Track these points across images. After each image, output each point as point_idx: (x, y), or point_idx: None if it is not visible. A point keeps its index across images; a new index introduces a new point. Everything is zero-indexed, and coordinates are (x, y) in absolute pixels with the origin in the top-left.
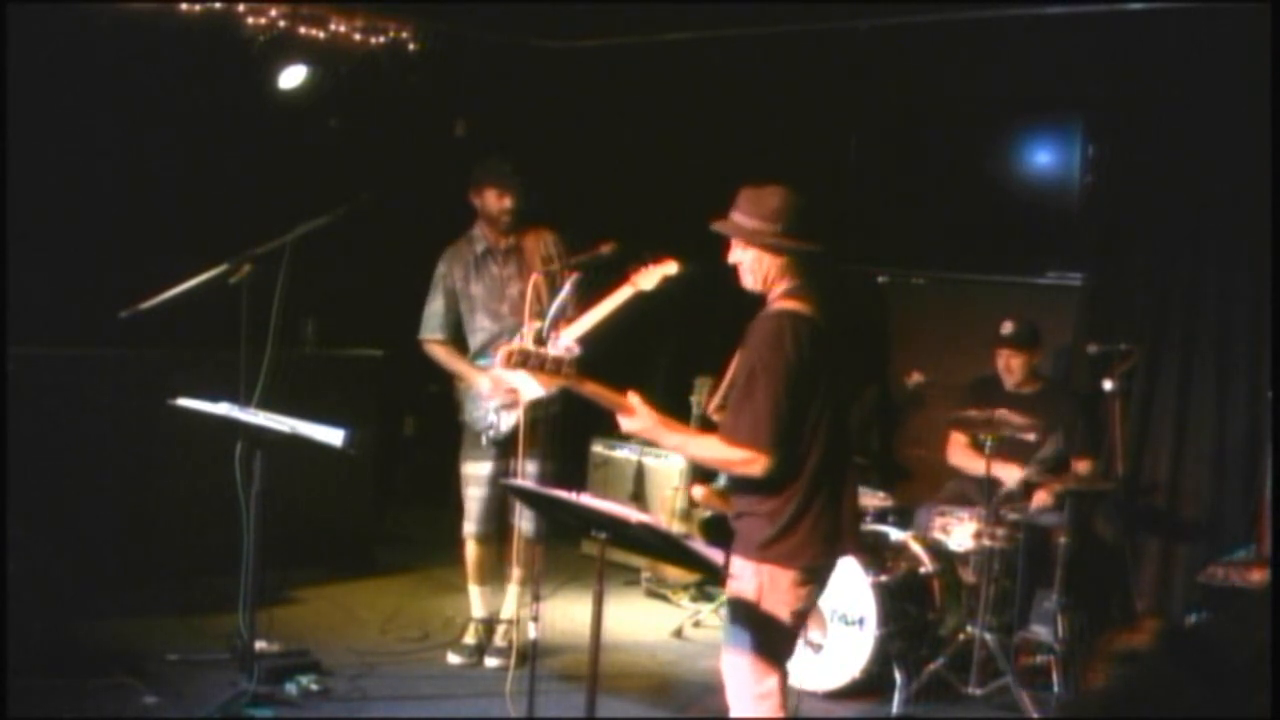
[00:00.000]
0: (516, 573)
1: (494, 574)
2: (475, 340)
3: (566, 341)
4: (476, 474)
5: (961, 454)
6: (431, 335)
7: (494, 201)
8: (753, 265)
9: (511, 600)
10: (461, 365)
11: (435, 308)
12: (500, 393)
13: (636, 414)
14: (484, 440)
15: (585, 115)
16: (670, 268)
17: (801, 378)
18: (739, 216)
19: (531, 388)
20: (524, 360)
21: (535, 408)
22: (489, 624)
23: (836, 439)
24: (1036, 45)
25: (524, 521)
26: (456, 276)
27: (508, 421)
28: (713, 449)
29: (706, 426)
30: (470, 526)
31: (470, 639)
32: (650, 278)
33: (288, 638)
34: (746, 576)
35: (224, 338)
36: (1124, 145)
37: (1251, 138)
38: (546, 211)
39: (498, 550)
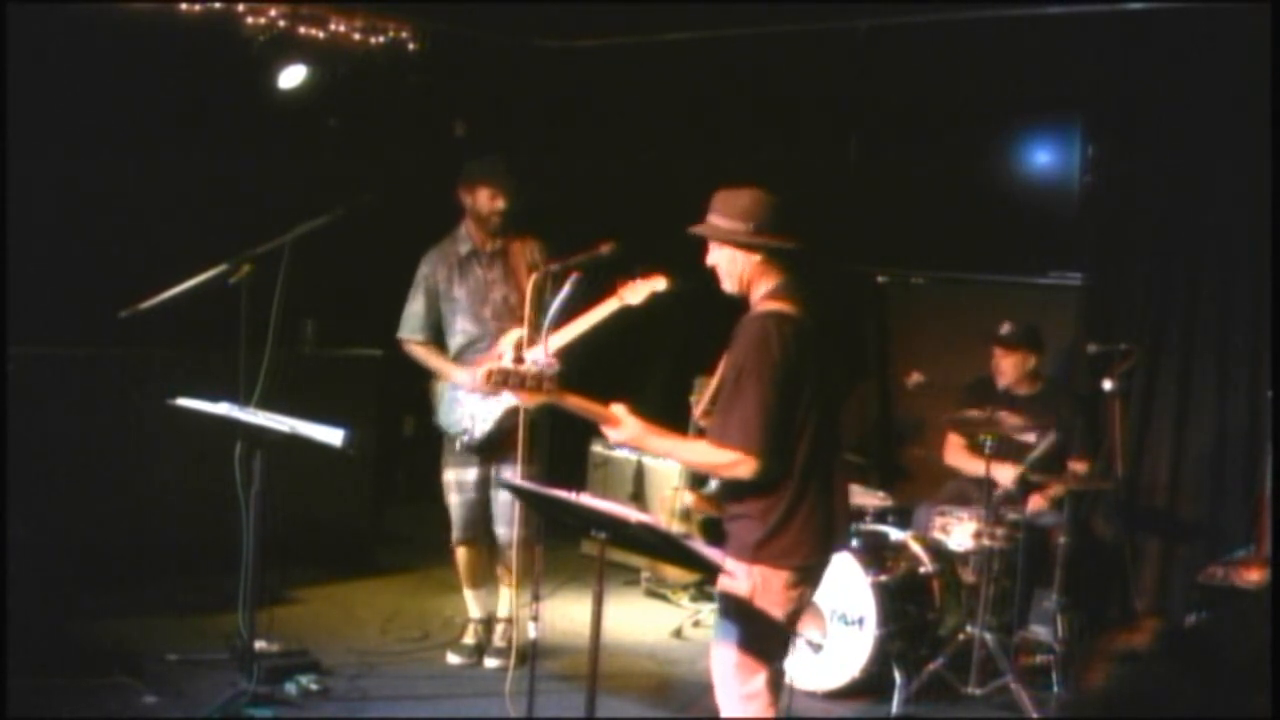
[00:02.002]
0: (506, 576)
1: (486, 576)
2: (454, 343)
3: (550, 348)
4: (456, 480)
5: (959, 454)
6: (411, 336)
7: (486, 201)
8: (728, 267)
9: (506, 600)
10: (440, 362)
11: (416, 308)
12: (481, 388)
13: (623, 424)
14: (458, 446)
15: (585, 115)
16: (659, 284)
17: (788, 378)
18: (713, 218)
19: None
20: (504, 379)
21: (516, 412)
22: (487, 624)
23: (825, 437)
24: (1036, 45)
25: (500, 526)
26: (439, 278)
27: (482, 427)
28: (702, 453)
29: (699, 432)
30: (455, 533)
31: (469, 639)
32: (638, 292)
33: (288, 638)
34: (740, 577)
35: (224, 338)
36: (1124, 145)
37: (1251, 138)
38: (535, 217)
39: (488, 553)
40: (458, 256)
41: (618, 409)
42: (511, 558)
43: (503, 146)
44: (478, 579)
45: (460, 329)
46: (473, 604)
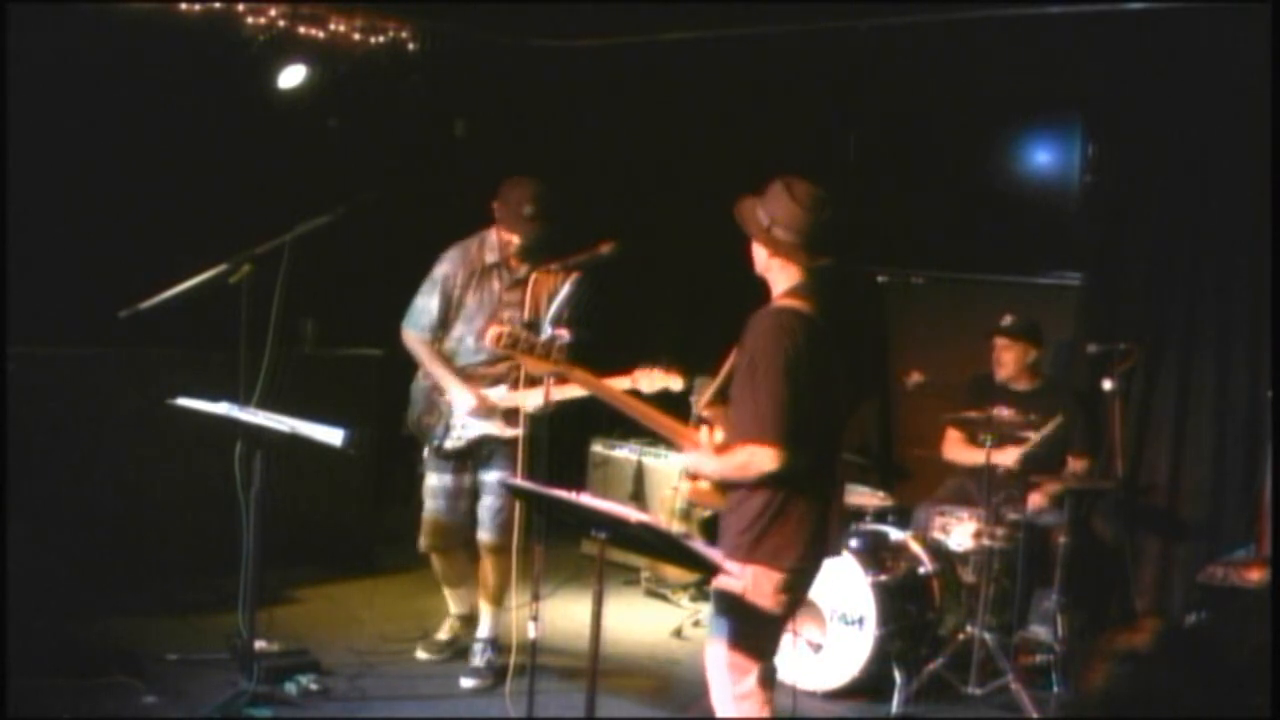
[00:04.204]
0: (486, 590)
1: (464, 575)
2: (447, 346)
3: (557, 396)
4: (428, 485)
5: (957, 448)
6: (419, 332)
7: (505, 236)
8: (753, 252)
9: (486, 621)
10: (441, 370)
11: (429, 305)
12: (480, 410)
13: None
14: (426, 450)
15: (585, 115)
16: (675, 382)
17: (797, 374)
18: (760, 209)
19: (532, 400)
20: (514, 342)
21: (492, 440)
22: (467, 620)
23: (827, 440)
24: (1036, 45)
25: (482, 532)
26: (458, 281)
27: (453, 441)
28: (727, 461)
29: (699, 423)
30: (422, 540)
31: (444, 634)
32: (652, 382)
33: (288, 638)
34: (734, 574)
35: (224, 338)
36: (1124, 145)
37: (1251, 137)
38: (564, 242)
39: (465, 556)
40: (481, 263)
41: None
42: (488, 569)
43: (508, 153)
44: (455, 579)
45: (458, 335)
46: (452, 600)
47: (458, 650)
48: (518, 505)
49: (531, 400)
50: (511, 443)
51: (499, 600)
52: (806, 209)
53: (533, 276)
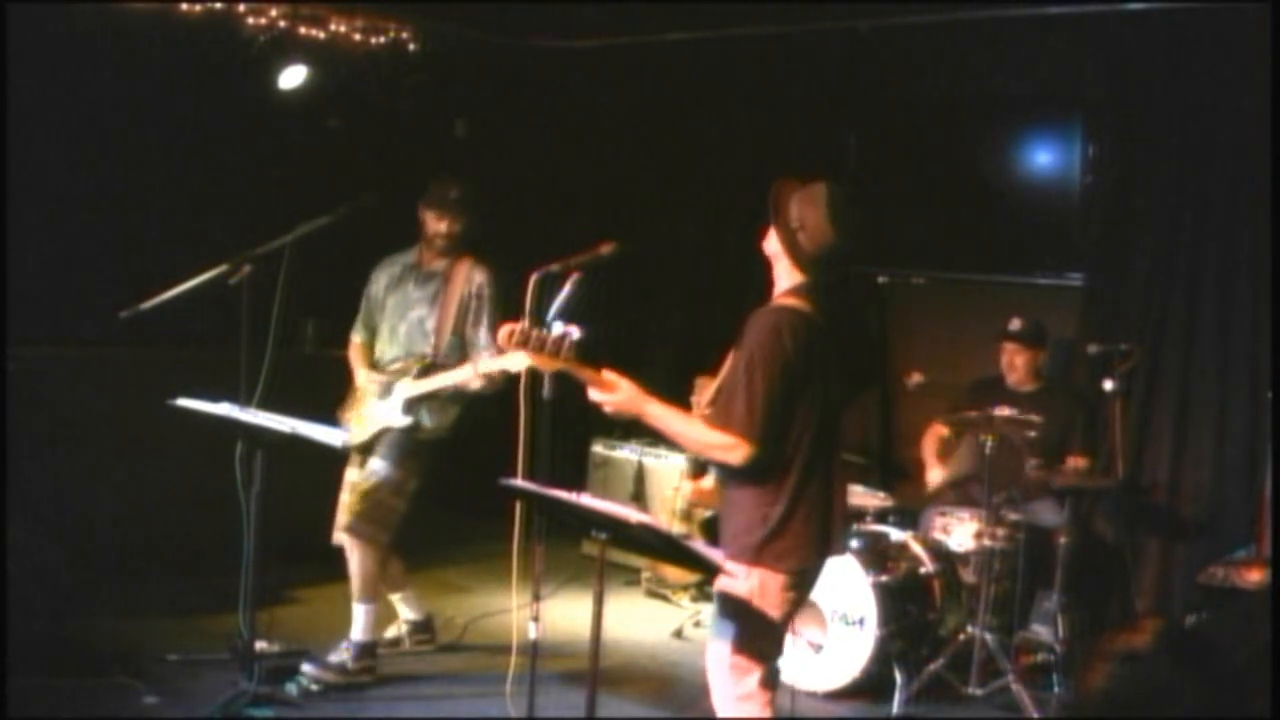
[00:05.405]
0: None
1: (397, 584)
2: (376, 348)
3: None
4: (346, 479)
5: (930, 449)
6: (352, 332)
7: (431, 223)
8: (771, 236)
9: (355, 620)
10: (357, 367)
11: (361, 307)
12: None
13: (617, 389)
14: (339, 444)
15: (585, 115)
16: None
17: (795, 372)
18: (795, 206)
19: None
20: (525, 340)
21: (387, 431)
22: (418, 625)
23: (826, 440)
24: (1036, 45)
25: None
26: (381, 284)
27: (359, 434)
28: (698, 431)
29: None
30: (336, 533)
31: (390, 632)
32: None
33: (288, 638)
34: (740, 577)
35: (224, 338)
36: (1124, 145)
37: (1251, 138)
38: (535, 217)
39: (396, 560)
40: (403, 266)
41: (609, 375)
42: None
43: (508, 153)
44: (390, 585)
45: (381, 335)
46: (400, 608)
47: (402, 651)
48: (396, 505)
49: (402, 391)
50: (399, 431)
51: (362, 595)
52: (838, 232)
53: (532, 278)
